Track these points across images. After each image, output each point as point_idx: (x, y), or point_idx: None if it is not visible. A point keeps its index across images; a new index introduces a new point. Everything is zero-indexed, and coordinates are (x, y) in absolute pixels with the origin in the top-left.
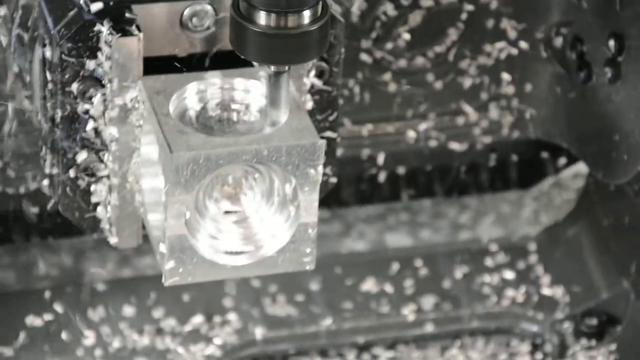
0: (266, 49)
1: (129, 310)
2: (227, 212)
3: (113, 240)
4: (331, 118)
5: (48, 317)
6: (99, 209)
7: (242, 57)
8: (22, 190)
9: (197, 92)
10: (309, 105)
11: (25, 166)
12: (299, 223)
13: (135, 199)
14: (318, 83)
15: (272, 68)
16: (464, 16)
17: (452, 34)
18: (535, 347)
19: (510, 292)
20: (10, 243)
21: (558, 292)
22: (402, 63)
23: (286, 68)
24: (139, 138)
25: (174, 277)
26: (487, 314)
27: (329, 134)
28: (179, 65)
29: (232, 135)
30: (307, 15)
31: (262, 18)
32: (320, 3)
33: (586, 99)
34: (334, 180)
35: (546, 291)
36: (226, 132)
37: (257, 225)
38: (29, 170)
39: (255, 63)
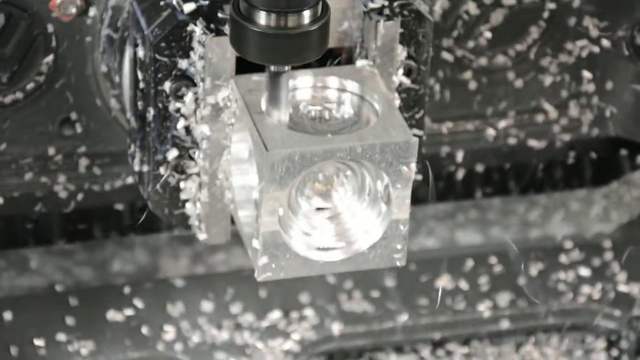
0: (266, 48)
1: (207, 306)
2: (319, 209)
3: (202, 236)
4: (418, 116)
5: (128, 312)
6: (188, 205)
7: (242, 56)
8: (107, 187)
9: (290, 90)
10: (397, 103)
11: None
12: (391, 219)
13: (225, 196)
14: (406, 81)
15: (272, 68)
16: (545, 14)
17: (534, 32)
18: (611, 344)
19: (586, 289)
20: (90, 239)
21: (635, 289)
22: (483, 61)
23: (286, 68)
24: (230, 136)
25: (267, 273)
26: (562, 310)
27: (415, 131)
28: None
29: (325, 133)
30: (307, 15)
31: (262, 18)
32: (320, 3)
33: None
34: (418, 177)
35: (622, 288)
36: (319, 130)
37: (349, 221)
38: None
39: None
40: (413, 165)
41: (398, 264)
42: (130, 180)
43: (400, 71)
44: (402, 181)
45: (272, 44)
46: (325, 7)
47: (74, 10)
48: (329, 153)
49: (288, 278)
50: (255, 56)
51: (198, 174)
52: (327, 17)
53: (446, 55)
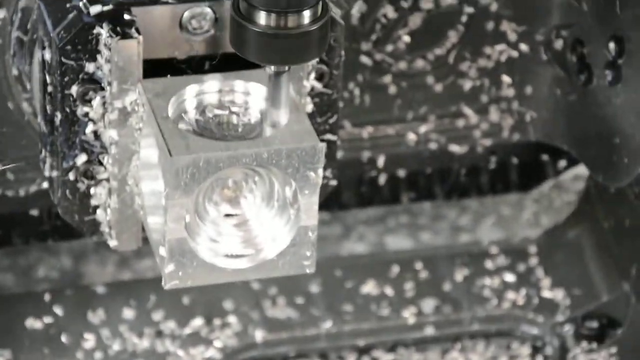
0: (266, 49)
1: (128, 313)
2: (227, 215)
3: (113, 243)
4: (331, 121)
5: (48, 319)
6: (99, 211)
7: (242, 57)
8: (22, 193)
9: (197, 94)
10: (309, 108)
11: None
12: (299, 226)
13: (135, 202)
14: (318, 86)
15: (272, 68)
16: (464, 18)
17: (452, 37)
18: (535, 350)
19: (510, 295)
20: (10, 246)
21: (559, 294)
22: (402, 65)
23: (286, 68)
24: (139, 141)
25: (173, 281)
26: (487, 316)
27: (329, 136)
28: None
29: (232, 138)
30: (307, 15)
31: (262, 18)
32: (320, 3)
33: (586, 102)
34: (334, 182)
35: (547, 294)
36: (226, 135)
37: (258, 228)
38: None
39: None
40: (320, 171)
41: (307, 270)
42: (45, 185)
43: (312, 75)
44: (309, 187)
45: (272, 44)
46: (325, 7)
47: None
48: (234, 159)
49: (204, 285)
50: (255, 56)
51: (108, 180)
52: (327, 17)
53: (365, 59)
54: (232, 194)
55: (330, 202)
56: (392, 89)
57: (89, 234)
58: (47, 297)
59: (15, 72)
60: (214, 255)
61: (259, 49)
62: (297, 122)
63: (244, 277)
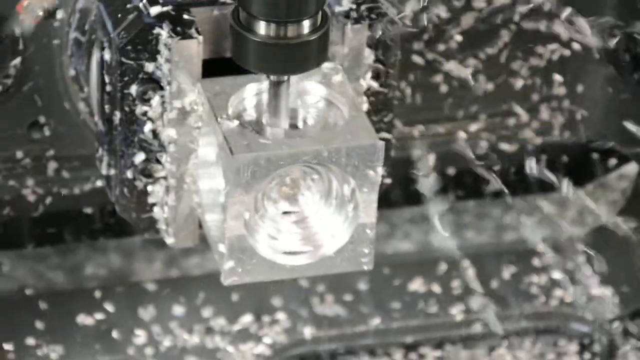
0: (266, 58)
1: (178, 310)
2: (285, 213)
3: (170, 240)
4: (386, 119)
5: (99, 316)
6: (156, 209)
7: (242, 66)
8: (76, 191)
9: (256, 93)
10: (365, 107)
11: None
12: (358, 223)
13: (193, 200)
14: (374, 85)
15: (272, 77)
16: (516, 17)
17: (505, 36)
18: (583, 347)
19: (558, 292)
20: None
21: (607, 292)
22: (453, 64)
23: (286, 78)
24: (197, 140)
25: (233, 277)
26: (535, 313)
27: (384, 135)
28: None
29: (292, 136)
30: (306, 25)
31: (261, 28)
32: (320, 13)
33: (639, 100)
34: (388, 181)
35: (595, 291)
36: (285, 134)
37: (316, 225)
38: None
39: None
40: (379, 169)
41: (365, 267)
42: (99, 183)
43: (369, 75)
44: (368, 185)
45: (271, 54)
46: (325, 17)
47: (41, 12)
48: (295, 157)
49: (256, 282)
50: (255, 66)
51: (165, 178)
52: (327, 27)
53: (417, 59)
54: (290, 192)
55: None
56: (443, 88)
57: (146, 232)
58: (97, 294)
59: (72, 72)
60: (272, 252)
61: (259, 59)
62: (357, 120)
63: (302, 274)
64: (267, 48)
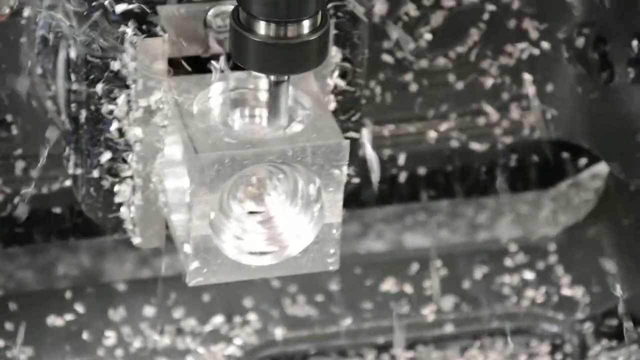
0: (266, 58)
1: (149, 311)
2: (251, 213)
3: (136, 240)
4: (354, 118)
5: (69, 317)
6: (123, 209)
7: (242, 66)
8: (44, 190)
9: (222, 92)
10: (332, 105)
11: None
12: (323, 223)
13: (159, 199)
14: (341, 83)
15: (272, 77)
16: (485, 16)
17: (474, 34)
18: (555, 348)
19: (530, 293)
20: (31, 243)
21: (578, 292)
22: (424, 63)
23: (286, 77)
24: (163, 138)
25: (198, 278)
26: (506, 314)
27: (351, 134)
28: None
29: (257, 135)
30: (306, 25)
31: (261, 28)
32: (320, 13)
33: (608, 100)
34: (356, 180)
35: (566, 291)
36: (251, 133)
37: (282, 225)
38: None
39: None
40: (345, 168)
41: (331, 268)
42: (68, 183)
43: (336, 73)
44: (334, 184)
45: (271, 54)
46: (325, 17)
47: (7, 10)
48: (260, 156)
49: (226, 282)
50: (255, 66)
51: (132, 177)
52: (326, 27)
53: (386, 58)
54: (256, 191)
55: (349, 200)
56: (413, 87)
57: (113, 232)
58: (68, 294)
59: (39, 70)
60: (238, 253)
61: (259, 59)
62: (322, 119)
63: (267, 274)
64: (267, 48)
